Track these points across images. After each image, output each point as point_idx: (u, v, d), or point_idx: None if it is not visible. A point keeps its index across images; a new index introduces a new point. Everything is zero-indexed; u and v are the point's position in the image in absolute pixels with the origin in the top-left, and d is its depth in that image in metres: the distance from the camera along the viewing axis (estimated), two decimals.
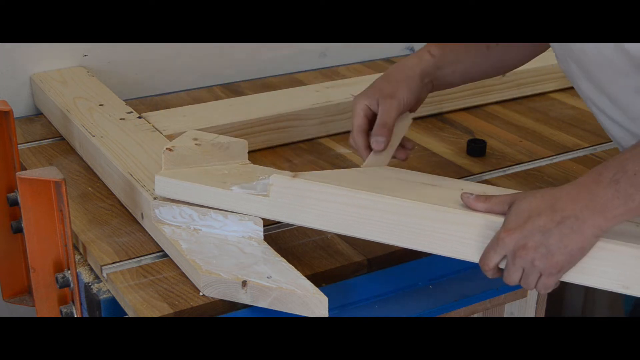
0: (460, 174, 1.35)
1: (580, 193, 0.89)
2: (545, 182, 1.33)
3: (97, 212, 1.21)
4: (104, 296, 1.05)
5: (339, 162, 1.40)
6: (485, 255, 0.93)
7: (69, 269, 1.07)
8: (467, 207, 0.96)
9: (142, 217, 1.15)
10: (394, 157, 1.15)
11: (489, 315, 1.18)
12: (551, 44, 1.07)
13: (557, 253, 0.88)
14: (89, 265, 1.12)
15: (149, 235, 1.14)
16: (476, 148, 1.41)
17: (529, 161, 1.40)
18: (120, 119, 1.38)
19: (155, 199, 1.10)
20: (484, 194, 0.96)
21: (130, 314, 1.00)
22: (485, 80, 1.50)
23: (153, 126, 1.36)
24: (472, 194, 0.96)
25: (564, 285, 0.95)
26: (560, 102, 1.65)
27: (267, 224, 1.10)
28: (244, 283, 0.98)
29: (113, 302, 1.04)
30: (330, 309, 0.96)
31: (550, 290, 0.92)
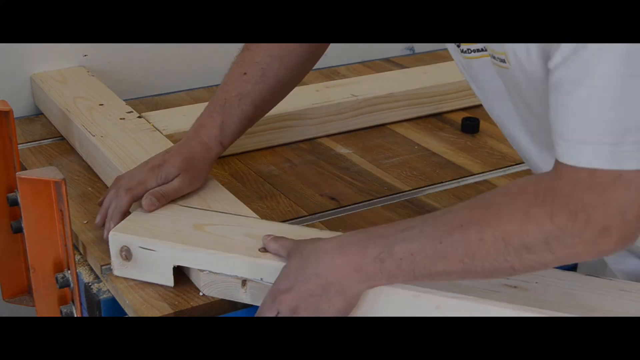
0: (460, 174, 1.36)
1: (344, 263, 0.90)
2: None
3: (97, 212, 1.20)
4: (104, 296, 1.05)
5: (338, 162, 1.40)
6: (261, 312, 0.94)
7: (69, 269, 1.07)
8: (265, 247, 0.99)
9: None
10: None
11: None
12: None
13: (327, 312, 0.91)
14: (89, 265, 1.11)
15: None
16: (470, 125, 1.42)
17: None
18: (120, 119, 1.38)
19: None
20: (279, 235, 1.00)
21: (130, 314, 1.00)
22: None
23: (153, 126, 1.36)
24: (270, 235, 1.00)
25: None
26: None
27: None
28: (244, 282, 0.98)
29: (113, 302, 1.04)
30: None
31: None
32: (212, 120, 1.15)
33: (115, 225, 1.06)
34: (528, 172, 1.36)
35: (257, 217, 1.11)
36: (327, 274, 0.90)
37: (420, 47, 1.96)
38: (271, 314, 0.92)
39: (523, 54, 0.87)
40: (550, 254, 0.82)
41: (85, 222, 1.17)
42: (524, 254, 0.82)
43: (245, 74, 1.16)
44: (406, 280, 0.89)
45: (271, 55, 1.16)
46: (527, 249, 0.82)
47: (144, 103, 1.60)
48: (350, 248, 0.90)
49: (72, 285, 1.07)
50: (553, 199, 0.81)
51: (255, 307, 0.99)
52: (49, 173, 1.03)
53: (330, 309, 0.90)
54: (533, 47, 0.85)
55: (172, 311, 0.98)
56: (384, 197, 1.29)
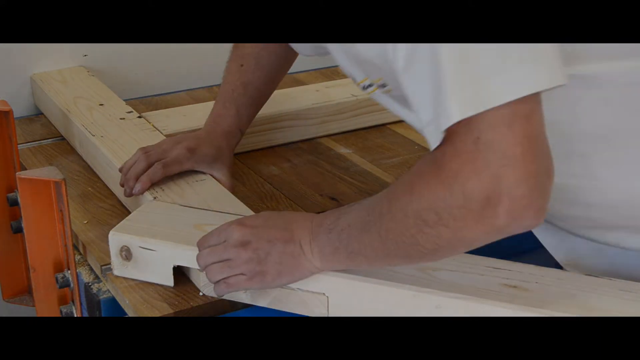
0: None
1: (309, 228, 0.92)
2: None
3: (97, 212, 1.21)
4: (104, 296, 1.05)
5: (338, 162, 1.40)
6: (206, 236, 0.96)
7: (69, 269, 1.07)
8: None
9: None
10: None
11: None
12: None
13: (270, 263, 0.92)
14: (89, 265, 1.12)
15: None
16: None
17: None
18: (120, 119, 1.38)
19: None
20: None
21: (130, 314, 1.00)
22: None
23: (153, 126, 1.36)
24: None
25: None
26: None
27: None
28: None
29: (113, 302, 1.04)
30: None
31: (226, 293, 0.96)
32: (227, 109, 1.25)
33: (142, 190, 1.13)
34: None
35: None
36: (294, 230, 0.92)
37: None
38: (213, 240, 0.94)
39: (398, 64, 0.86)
40: (446, 229, 0.80)
41: (85, 222, 1.17)
42: (423, 228, 0.81)
43: (242, 65, 1.26)
44: (345, 255, 0.89)
45: (258, 46, 1.25)
46: (423, 220, 0.80)
47: (144, 103, 1.60)
48: (320, 217, 0.93)
49: (72, 285, 1.07)
50: (427, 171, 0.80)
51: (255, 307, 0.99)
52: (49, 173, 1.03)
53: (275, 266, 0.91)
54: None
55: (172, 311, 0.98)
56: None
